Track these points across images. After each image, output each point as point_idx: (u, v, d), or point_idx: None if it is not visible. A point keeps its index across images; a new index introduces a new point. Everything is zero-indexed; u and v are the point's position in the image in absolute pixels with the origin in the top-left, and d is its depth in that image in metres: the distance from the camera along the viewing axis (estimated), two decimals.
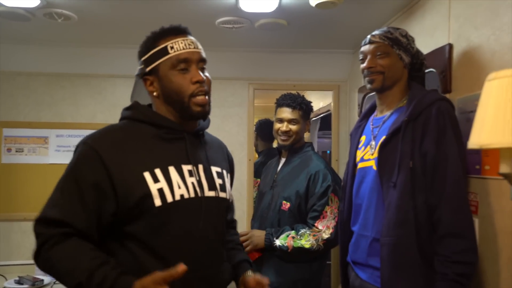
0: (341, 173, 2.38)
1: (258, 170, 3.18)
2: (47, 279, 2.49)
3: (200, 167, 1.23)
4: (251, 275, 1.33)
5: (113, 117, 2.98)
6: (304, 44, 2.85)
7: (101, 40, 2.73)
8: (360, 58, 1.57)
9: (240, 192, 3.05)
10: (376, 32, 1.54)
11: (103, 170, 1.10)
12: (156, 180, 1.13)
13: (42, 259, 1.08)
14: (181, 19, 2.38)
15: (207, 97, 1.20)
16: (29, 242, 2.77)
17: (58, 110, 2.96)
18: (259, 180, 3.22)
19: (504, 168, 0.84)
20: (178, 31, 1.22)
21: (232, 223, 1.53)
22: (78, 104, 2.98)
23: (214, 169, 1.29)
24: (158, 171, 1.14)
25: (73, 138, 2.94)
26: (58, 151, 2.93)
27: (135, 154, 1.15)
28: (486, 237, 1.40)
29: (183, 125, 1.23)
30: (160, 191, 1.12)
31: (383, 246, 1.40)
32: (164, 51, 1.18)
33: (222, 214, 1.29)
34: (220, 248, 1.28)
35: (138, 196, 1.10)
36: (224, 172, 1.33)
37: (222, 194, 1.28)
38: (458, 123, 1.43)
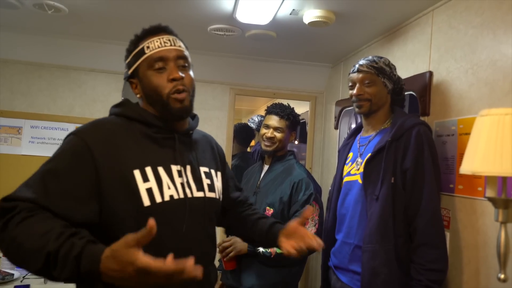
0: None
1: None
2: (16, 273, 2.42)
3: (188, 168, 1.21)
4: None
5: (92, 112, 2.98)
6: (287, 55, 2.97)
7: (88, 34, 2.71)
8: (349, 84, 1.71)
9: None
10: (363, 62, 1.68)
11: (92, 166, 1.04)
12: (145, 179, 1.09)
13: (5, 236, 0.93)
14: (173, 21, 2.42)
15: (185, 93, 1.16)
16: None
17: (33, 100, 2.89)
18: None
19: (489, 193, 0.98)
20: (157, 30, 1.19)
21: (247, 202, 1.53)
22: (55, 96, 2.92)
23: (203, 170, 1.26)
24: (148, 170, 1.10)
25: (49, 130, 2.88)
26: (32, 143, 2.85)
27: (126, 150, 1.10)
28: (456, 249, 1.57)
29: (173, 125, 1.20)
30: (149, 190, 1.08)
31: (364, 252, 1.54)
32: (141, 52, 1.16)
33: (211, 214, 1.26)
34: (209, 248, 1.25)
35: (125, 195, 1.06)
36: (213, 171, 1.31)
37: (210, 194, 1.25)
38: (435, 144, 1.59)
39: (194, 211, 1.18)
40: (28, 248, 0.90)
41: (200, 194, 1.21)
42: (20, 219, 0.93)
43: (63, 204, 0.99)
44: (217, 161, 1.39)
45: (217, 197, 1.29)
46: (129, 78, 1.21)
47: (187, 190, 1.17)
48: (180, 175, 1.17)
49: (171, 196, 1.12)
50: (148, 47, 1.15)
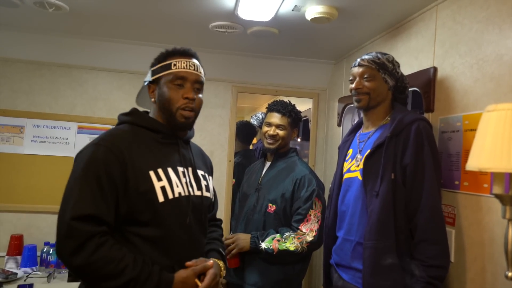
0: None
1: (234, 170, 3.24)
2: (20, 272, 2.42)
3: (190, 169, 1.44)
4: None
5: (93, 110, 2.98)
6: (289, 52, 2.95)
7: (89, 32, 2.69)
8: (350, 78, 1.70)
9: (219, 192, 3.09)
10: (365, 57, 1.67)
11: (120, 170, 1.25)
12: (159, 179, 1.31)
13: (87, 261, 1.15)
14: (175, 19, 2.43)
15: (193, 112, 1.38)
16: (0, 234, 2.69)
17: (35, 99, 2.88)
18: (234, 180, 3.28)
19: (496, 190, 0.96)
20: (186, 54, 1.42)
21: (215, 220, 1.71)
22: (57, 95, 2.91)
23: (200, 172, 1.50)
24: (160, 171, 1.32)
25: (51, 129, 2.87)
26: (34, 142, 2.84)
27: (141, 155, 1.31)
28: (461, 247, 1.55)
29: (176, 132, 1.42)
30: (163, 188, 1.30)
31: (365, 249, 1.52)
32: (168, 66, 1.38)
33: (205, 210, 1.49)
34: (202, 238, 1.48)
35: (144, 192, 1.27)
36: (207, 175, 1.55)
37: (206, 194, 1.49)
38: (435, 140, 1.58)
39: (195, 206, 1.40)
40: (109, 273, 1.16)
41: (199, 193, 1.44)
42: (96, 246, 1.16)
43: (109, 212, 1.22)
44: (208, 167, 1.62)
45: (211, 197, 1.54)
46: (149, 83, 1.43)
47: (190, 189, 1.40)
48: (184, 175, 1.40)
49: (179, 193, 1.34)
50: (175, 65, 1.37)
